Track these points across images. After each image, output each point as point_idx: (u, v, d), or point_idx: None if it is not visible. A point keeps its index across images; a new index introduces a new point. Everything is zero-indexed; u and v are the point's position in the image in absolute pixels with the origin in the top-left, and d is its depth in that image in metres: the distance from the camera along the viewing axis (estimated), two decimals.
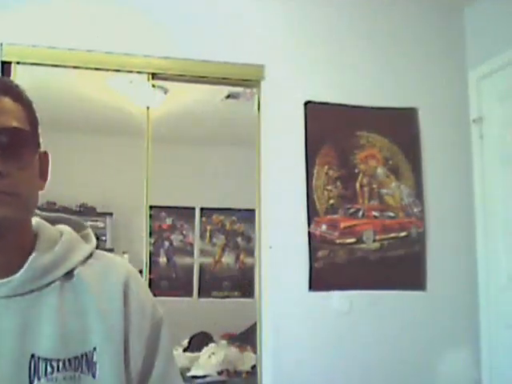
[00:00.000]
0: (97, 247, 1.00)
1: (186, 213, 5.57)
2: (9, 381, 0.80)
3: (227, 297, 5.54)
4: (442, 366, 2.96)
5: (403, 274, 3.02)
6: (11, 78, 2.68)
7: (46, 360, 0.83)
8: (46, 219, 0.98)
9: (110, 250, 4.13)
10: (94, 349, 0.86)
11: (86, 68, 2.86)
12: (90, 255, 0.96)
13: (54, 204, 4.25)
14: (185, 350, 4.49)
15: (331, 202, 2.97)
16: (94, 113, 4.19)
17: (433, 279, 3.02)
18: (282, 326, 2.85)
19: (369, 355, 2.90)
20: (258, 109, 3.03)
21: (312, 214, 2.93)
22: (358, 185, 3.02)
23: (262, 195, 2.96)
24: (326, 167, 2.98)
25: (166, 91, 3.72)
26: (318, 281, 2.89)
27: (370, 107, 3.08)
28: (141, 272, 2.81)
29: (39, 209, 0.96)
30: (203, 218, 5.69)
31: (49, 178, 0.95)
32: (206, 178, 5.42)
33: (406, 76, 3.17)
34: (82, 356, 0.85)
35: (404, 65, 3.17)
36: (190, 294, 5.32)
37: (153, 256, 5.01)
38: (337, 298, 2.90)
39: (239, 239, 5.78)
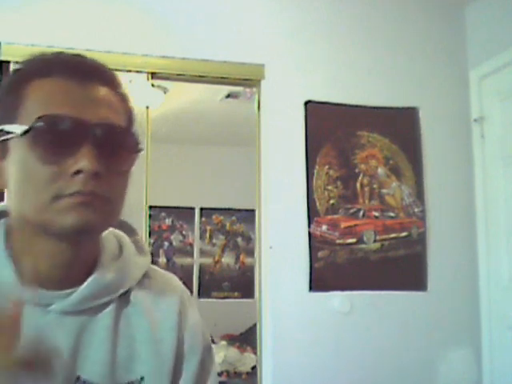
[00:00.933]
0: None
1: (185, 213, 5.57)
2: None
3: (227, 297, 5.54)
4: (443, 366, 2.95)
5: (404, 274, 3.01)
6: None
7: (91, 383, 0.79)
8: None
9: None
10: (142, 378, 0.81)
11: None
12: (146, 276, 0.89)
13: None
14: None
15: (332, 202, 2.96)
16: None
17: (434, 279, 3.01)
18: (282, 326, 2.84)
19: (369, 356, 2.89)
20: (258, 108, 3.02)
21: (312, 214, 2.92)
22: (358, 185, 3.01)
23: (262, 195, 2.95)
24: (327, 167, 2.97)
25: (165, 91, 3.71)
26: (319, 281, 2.88)
27: (371, 107, 3.07)
28: None
29: None
30: (203, 218, 5.69)
31: None
32: (205, 178, 5.42)
33: (406, 75, 3.15)
34: None
35: (405, 64, 3.16)
36: None
37: (152, 256, 5.00)
38: (337, 299, 2.89)
39: (239, 239, 5.77)
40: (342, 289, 2.91)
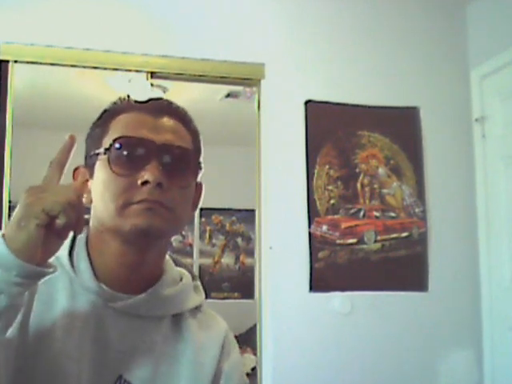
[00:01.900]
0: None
1: None
2: None
3: (227, 298, 5.53)
4: (444, 367, 2.94)
5: (405, 274, 3.00)
6: (8, 76, 2.66)
7: None
8: (171, 257, 1.02)
9: None
10: None
11: (84, 67, 2.84)
12: (199, 309, 1.00)
13: None
14: None
15: (332, 202, 2.95)
16: (92, 112, 4.17)
17: (435, 280, 3.00)
18: (283, 327, 2.83)
19: (370, 357, 2.88)
20: (258, 108, 3.01)
21: (313, 214, 2.91)
22: (359, 185, 3.00)
23: (262, 195, 2.94)
24: (327, 167, 2.96)
25: (164, 90, 3.70)
26: (319, 282, 2.87)
27: (371, 106, 3.06)
28: None
29: None
30: (203, 219, 5.68)
31: None
32: (205, 178, 5.40)
33: (407, 75, 3.14)
34: None
35: (405, 63, 3.15)
36: None
37: None
38: (338, 299, 2.88)
39: (239, 240, 5.76)
40: (343, 289, 2.90)
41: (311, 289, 2.86)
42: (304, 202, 2.90)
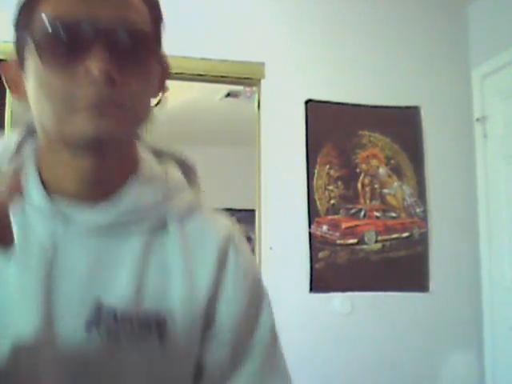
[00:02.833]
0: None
1: None
2: (64, 321, 0.70)
3: None
4: (445, 368, 2.94)
5: (406, 275, 2.99)
6: None
7: (111, 309, 0.72)
8: (153, 149, 0.85)
9: None
10: (170, 312, 0.74)
11: None
12: (192, 209, 0.83)
13: None
14: None
15: (332, 202, 2.93)
16: None
17: (436, 280, 3.00)
18: (282, 327, 2.79)
19: (371, 357, 2.87)
20: (258, 107, 3.00)
21: (313, 214, 2.89)
22: (359, 185, 2.99)
23: (262, 195, 2.93)
24: (327, 167, 2.95)
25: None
26: (319, 282, 2.86)
27: (372, 106, 3.05)
28: None
29: None
30: None
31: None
32: (205, 178, 5.38)
33: (408, 74, 3.14)
34: (153, 316, 0.73)
35: (406, 63, 3.14)
36: None
37: None
38: (338, 300, 2.87)
39: None
40: (343, 290, 2.89)
41: (311, 289, 2.85)
42: (304, 202, 2.89)
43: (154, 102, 0.77)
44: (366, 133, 3.03)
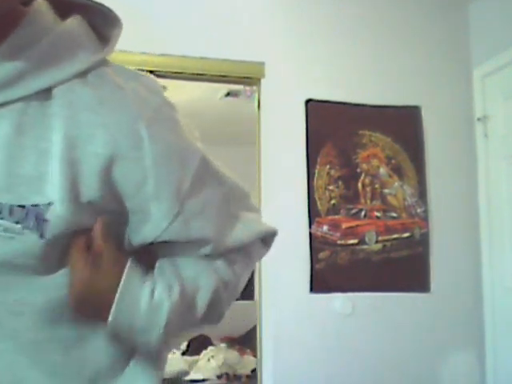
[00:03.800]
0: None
1: None
2: None
3: None
4: (446, 368, 2.93)
5: (406, 275, 2.98)
6: None
7: None
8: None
9: None
10: (49, 204, 0.64)
11: None
12: (95, 68, 0.67)
13: None
14: (183, 354, 4.46)
15: (333, 202, 2.92)
16: None
17: (437, 281, 2.99)
18: (283, 328, 2.80)
19: (371, 358, 2.86)
20: (258, 107, 2.99)
21: (313, 214, 2.88)
22: (360, 185, 2.98)
23: (262, 195, 2.92)
24: (328, 167, 2.94)
25: (164, 89, 3.67)
26: (320, 283, 2.85)
27: (373, 105, 3.04)
28: None
29: None
30: None
31: None
32: None
33: (409, 74, 3.13)
34: (31, 207, 0.64)
35: (407, 62, 3.13)
36: None
37: None
38: (338, 301, 2.86)
39: None
40: (344, 290, 2.88)
41: (312, 290, 2.84)
42: (304, 202, 2.88)
43: None
44: (367, 132, 3.02)
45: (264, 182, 2.92)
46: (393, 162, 3.05)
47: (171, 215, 0.70)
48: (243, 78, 3.03)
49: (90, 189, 0.66)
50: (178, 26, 2.88)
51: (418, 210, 3.04)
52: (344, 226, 2.92)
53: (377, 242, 2.96)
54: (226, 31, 2.94)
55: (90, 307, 0.68)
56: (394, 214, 3.01)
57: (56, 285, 0.68)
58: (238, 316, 4.88)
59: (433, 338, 2.95)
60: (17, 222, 0.63)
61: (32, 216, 0.64)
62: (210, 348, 4.42)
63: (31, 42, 0.65)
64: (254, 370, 3.90)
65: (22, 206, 0.64)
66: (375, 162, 3.02)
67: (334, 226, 2.91)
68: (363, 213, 2.96)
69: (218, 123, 4.79)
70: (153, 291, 0.70)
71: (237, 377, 4.15)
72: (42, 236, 0.64)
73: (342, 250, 2.90)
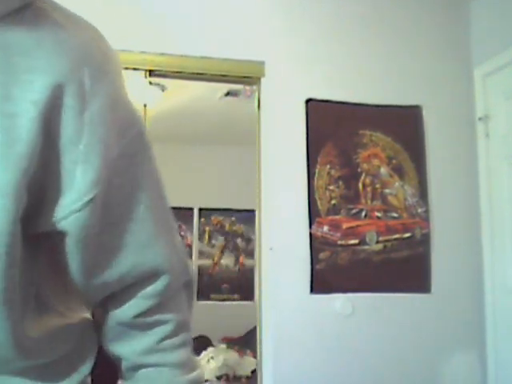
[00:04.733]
0: None
1: (184, 213, 5.51)
2: None
3: (226, 300, 5.49)
4: (447, 369, 2.92)
5: (407, 275, 2.97)
6: None
7: None
8: None
9: None
10: None
11: None
12: (31, 4, 0.59)
13: None
14: None
15: (333, 202, 2.91)
16: None
17: (438, 281, 2.98)
18: (283, 329, 2.79)
19: (372, 359, 2.85)
20: (258, 107, 2.97)
21: (313, 214, 2.87)
22: (360, 185, 2.97)
23: (262, 195, 2.90)
24: (328, 166, 2.93)
25: (163, 88, 3.66)
26: (320, 283, 2.84)
27: (373, 105, 3.03)
28: None
29: None
30: (202, 219, 5.65)
31: None
32: (204, 178, 5.38)
33: (409, 73, 3.12)
34: None
35: (408, 61, 3.12)
36: None
37: None
38: (339, 301, 2.85)
39: (239, 240, 5.73)
40: (344, 291, 2.87)
41: (312, 290, 2.83)
42: (305, 202, 2.87)
43: None
44: (367, 132, 3.01)
45: (264, 182, 2.91)
46: (393, 161, 3.04)
47: (96, 189, 0.60)
48: (243, 78, 3.02)
49: (27, 145, 0.56)
50: (177, 26, 2.87)
51: (419, 210, 3.03)
52: (344, 226, 2.91)
53: (377, 242, 2.95)
54: (225, 30, 2.93)
55: None
56: (395, 214, 3.00)
57: None
58: (238, 317, 4.88)
59: (433, 339, 2.94)
60: None
61: None
62: (209, 349, 4.40)
63: None
64: (254, 371, 3.88)
65: None
66: (376, 161, 3.01)
67: (335, 226, 2.90)
68: (364, 213, 2.95)
69: (218, 123, 4.78)
70: None
71: (237, 378, 4.14)
72: None
73: (343, 251, 2.89)
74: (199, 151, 5.32)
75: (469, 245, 3.06)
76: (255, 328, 2.97)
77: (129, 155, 0.64)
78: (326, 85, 3.00)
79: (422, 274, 2.97)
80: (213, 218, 5.66)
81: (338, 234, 2.90)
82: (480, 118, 3.09)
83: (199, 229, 5.65)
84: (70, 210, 0.59)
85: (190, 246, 5.58)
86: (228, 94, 4.13)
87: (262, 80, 2.95)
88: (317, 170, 2.91)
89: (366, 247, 2.93)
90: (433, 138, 3.08)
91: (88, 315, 0.75)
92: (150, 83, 2.93)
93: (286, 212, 2.87)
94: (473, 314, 3.01)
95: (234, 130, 4.62)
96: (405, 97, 3.08)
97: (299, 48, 3.00)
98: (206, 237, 5.67)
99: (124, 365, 0.70)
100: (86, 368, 0.69)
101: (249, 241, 5.63)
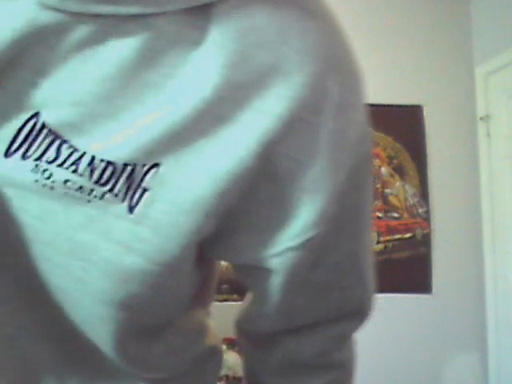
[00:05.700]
0: None
1: None
2: None
3: (226, 300, 5.48)
4: (449, 370, 2.92)
5: (408, 276, 2.97)
6: None
7: (53, 134, 0.40)
8: None
9: None
10: (156, 165, 0.40)
11: None
12: None
13: None
14: None
15: None
16: None
17: (439, 282, 2.97)
18: None
19: (373, 359, 2.84)
20: None
21: None
22: None
23: None
24: None
25: None
26: None
27: (374, 104, 3.00)
28: None
29: None
30: None
31: None
32: None
33: (410, 72, 3.11)
34: (123, 167, 0.40)
35: (409, 61, 3.12)
36: None
37: None
38: None
39: None
40: None
41: None
42: None
43: None
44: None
45: None
46: (394, 161, 3.03)
47: (322, 225, 0.46)
48: None
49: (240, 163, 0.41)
50: None
51: (420, 211, 3.02)
52: None
53: (378, 242, 2.94)
54: None
55: None
56: (396, 215, 2.99)
57: None
58: None
59: (435, 340, 2.93)
60: (99, 183, 0.40)
61: (124, 176, 0.39)
62: None
63: None
64: None
65: (109, 163, 0.41)
66: (376, 161, 3.01)
67: None
68: None
69: None
70: None
71: (237, 379, 4.12)
72: (130, 210, 0.41)
73: None
74: None
75: (470, 245, 3.05)
76: None
77: (355, 185, 0.49)
78: None
79: (423, 274, 2.97)
80: None
81: None
82: (481, 118, 3.09)
83: None
84: (285, 246, 0.47)
85: None
86: None
87: None
88: None
89: None
90: (434, 137, 3.08)
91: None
92: None
93: None
94: (474, 315, 3.01)
95: None
96: (406, 96, 3.08)
97: None
98: None
99: None
100: None
101: None
